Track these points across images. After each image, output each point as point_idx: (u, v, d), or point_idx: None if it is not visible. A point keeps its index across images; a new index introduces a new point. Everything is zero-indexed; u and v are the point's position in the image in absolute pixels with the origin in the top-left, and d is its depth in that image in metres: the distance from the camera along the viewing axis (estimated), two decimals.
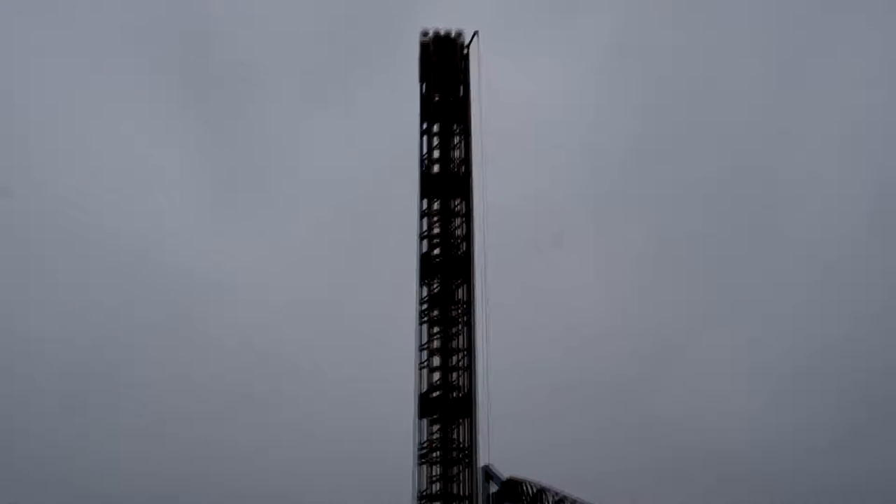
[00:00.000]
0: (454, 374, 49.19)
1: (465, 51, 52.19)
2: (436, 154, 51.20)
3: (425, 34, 51.75)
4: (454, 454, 48.45)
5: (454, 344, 49.47)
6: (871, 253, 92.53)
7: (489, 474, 47.51)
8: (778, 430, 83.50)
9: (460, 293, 49.90)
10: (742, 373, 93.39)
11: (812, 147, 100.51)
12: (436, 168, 51.11)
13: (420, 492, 47.77)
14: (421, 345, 49.18)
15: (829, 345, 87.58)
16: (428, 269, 49.95)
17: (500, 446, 49.05)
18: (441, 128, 51.37)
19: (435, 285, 49.99)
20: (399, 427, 51.20)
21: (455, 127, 51.31)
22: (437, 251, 50.41)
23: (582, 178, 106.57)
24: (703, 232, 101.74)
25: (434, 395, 48.72)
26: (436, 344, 49.42)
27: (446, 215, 50.65)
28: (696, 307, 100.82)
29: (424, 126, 51.50)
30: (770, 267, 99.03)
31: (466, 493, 47.99)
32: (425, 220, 50.52)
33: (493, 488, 47.44)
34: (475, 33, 51.27)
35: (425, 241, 50.32)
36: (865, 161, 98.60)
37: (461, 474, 48.40)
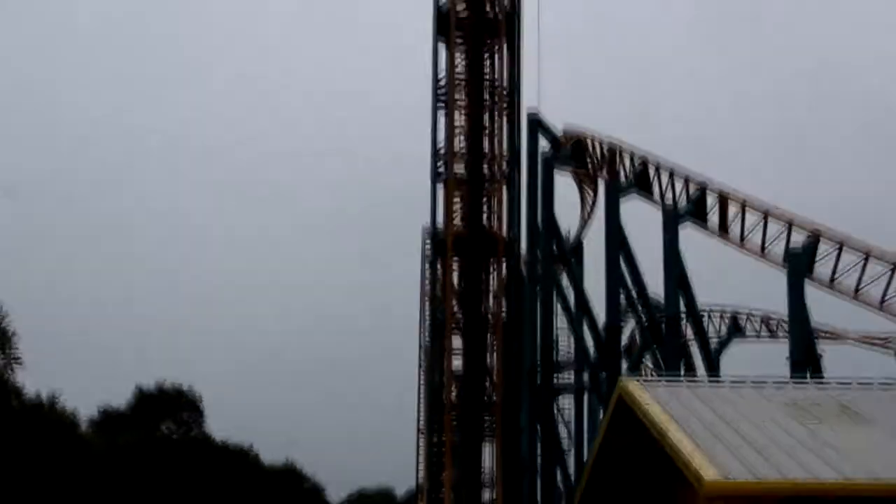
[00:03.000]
0: None
1: None
2: None
3: None
4: (486, 96, 47.90)
5: None
6: None
7: (538, 125, 46.56)
8: None
9: None
10: None
11: None
12: None
13: (438, 149, 47.70)
14: None
15: None
16: None
17: (553, 88, 50.14)
18: None
19: None
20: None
21: None
22: None
23: None
24: None
25: (459, 8, 47.67)
26: None
27: None
28: None
29: None
30: None
31: (503, 153, 47.64)
32: None
33: (544, 145, 47.00)
34: None
35: None
36: None
37: (496, 124, 47.69)
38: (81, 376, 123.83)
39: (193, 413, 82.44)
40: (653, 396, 17.53)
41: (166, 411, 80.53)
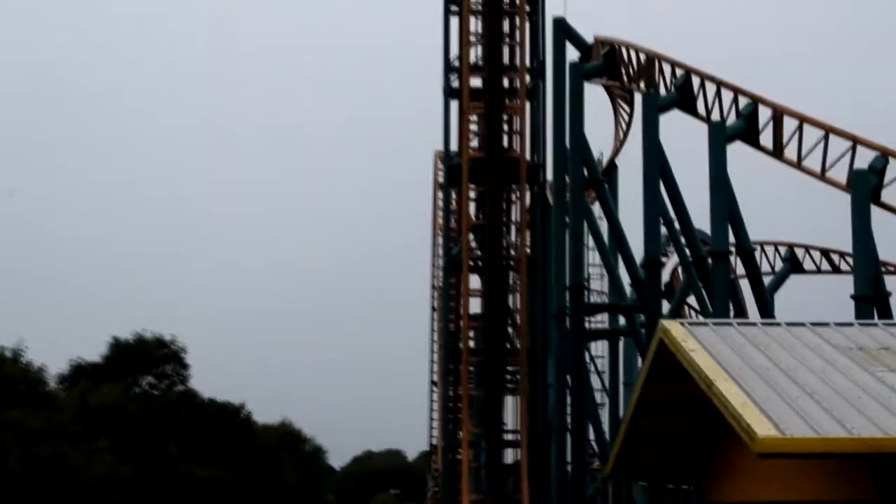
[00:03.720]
0: None
1: None
2: None
3: None
4: None
5: None
6: None
7: (565, 32, 46.19)
8: None
9: None
10: None
11: None
12: None
13: (451, 60, 47.09)
14: None
15: None
16: None
17: None
18: None
19: None
20: None
21: None
22: None
23: None
24: None
25: None
26: None
27: None
28: None
29: None
30: None
31: (525, 63, 47.34)
32: None
33: (573, 54, 46.70)
34: None
35: None
36: None
37: (517, 31, 47.76)
38: (52, 329, 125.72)
39: (177, 366, 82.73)
40: (698, 340, 17.35)
41: (146, 364, 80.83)
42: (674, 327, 18.09)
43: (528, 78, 47.59)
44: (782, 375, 15.89)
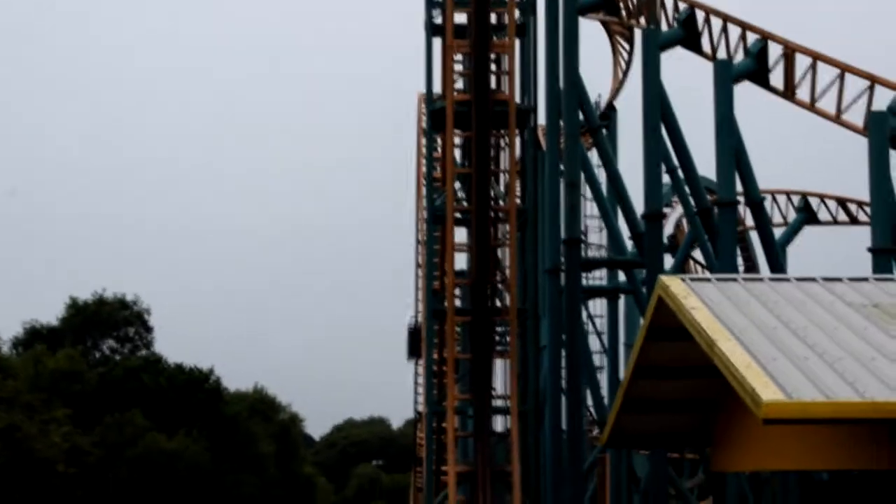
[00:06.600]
0: None
1: None
2: None
3: None
4: None
5: None
6: None
7: None
8: None
9: None
10: None
11: None
12: None
13: None
14: None
15: None
16: None
17: None
18: None
19: None
20: None
21: None
22: None
23: None
24: None
25: None
26: None
27: None
28: None
29: None
30: None
31: None
32: None
33: None
34: None
35: None
36: None
37: None
38: (6, 290, 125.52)
39: (140, 329, 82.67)
40: (700, 298, 17.28)
41: (106, 327, 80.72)
42: (674, 283, 18.02)
43: (517, 13, 47.09)
44: (791, 335, 15.80)
